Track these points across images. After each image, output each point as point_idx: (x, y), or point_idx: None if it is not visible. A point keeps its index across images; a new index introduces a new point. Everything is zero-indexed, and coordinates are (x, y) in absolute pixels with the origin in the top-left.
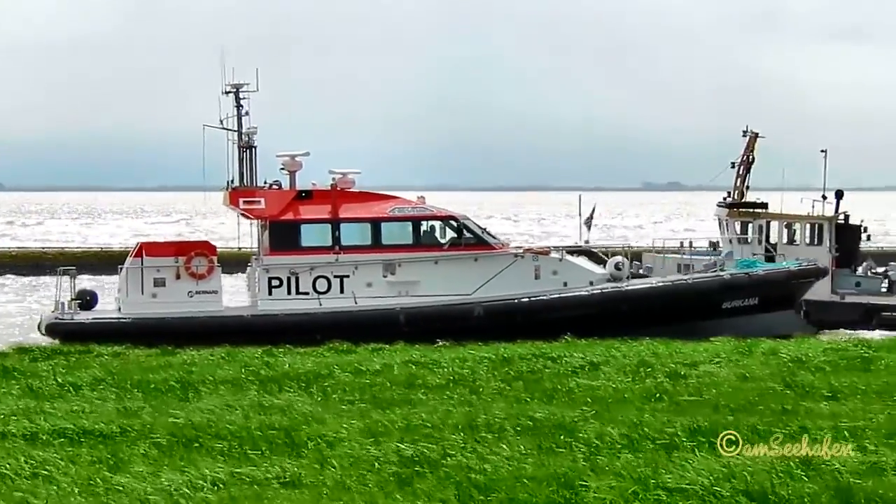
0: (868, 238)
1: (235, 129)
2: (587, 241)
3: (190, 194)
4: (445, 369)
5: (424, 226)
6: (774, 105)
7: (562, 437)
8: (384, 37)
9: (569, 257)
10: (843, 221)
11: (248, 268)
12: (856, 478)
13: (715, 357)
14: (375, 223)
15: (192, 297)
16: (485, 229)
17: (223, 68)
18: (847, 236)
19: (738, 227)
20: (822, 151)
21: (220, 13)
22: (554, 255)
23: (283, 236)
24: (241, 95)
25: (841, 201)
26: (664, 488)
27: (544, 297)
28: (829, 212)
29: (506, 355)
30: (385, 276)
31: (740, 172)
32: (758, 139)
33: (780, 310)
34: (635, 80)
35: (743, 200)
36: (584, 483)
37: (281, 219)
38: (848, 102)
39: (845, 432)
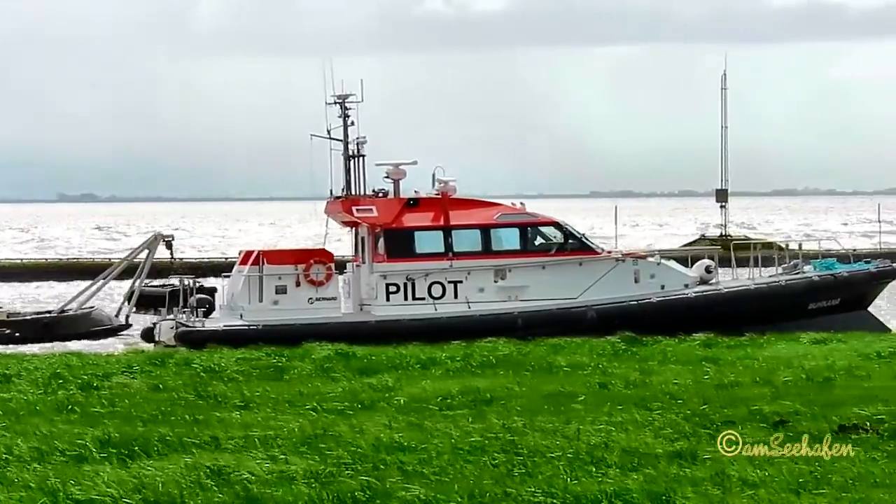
0: None
1: (342, 139)
2: None
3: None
4: None
5: (531, 231)
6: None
7: None
8: None
9: (665, 261)
10: None
11: (346, 273)
12: (266, 487)
13: (128, 368)
14: (485, 229)
15: (312, 303)
16: (583, 234)
17: (329, 78)
18: None
19: None
20: None
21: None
22: (651, 259)
23: (398, 243)
24: (346, 106)
25: None
26: (73, 500)
27: (652, 300)
28: None
29: None
30: (496, 282)
31: None
32: None
33: (856, 310)
34: None
35: None
36: None
37: (396, 226)
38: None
39: (256, 440)
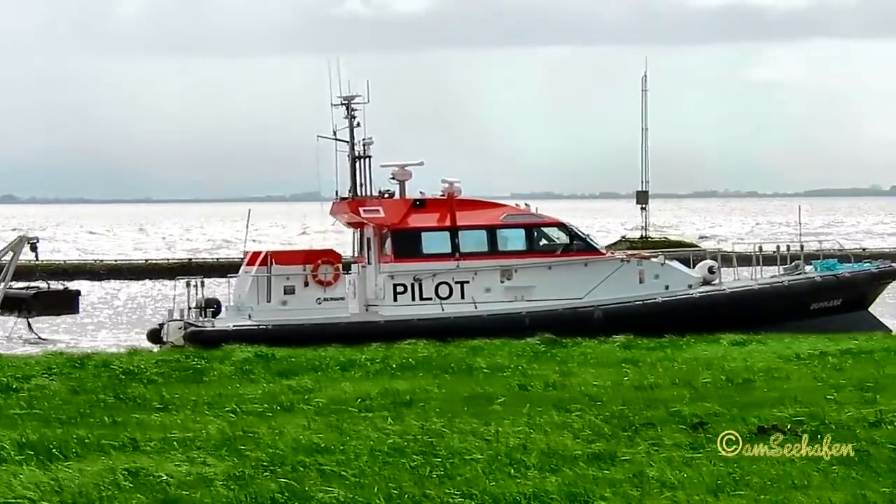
0: None
1: (347, 140)
2: None
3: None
4: None
5: (536, 232)
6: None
7: None
8: None
9: (669, 262)
10: None
11: (352, 274)
12: (184, 489)
13: (47, 370)
14: (491, 230)
15: (320, 303)
16: (588, 235)
17: (336, 78)
18: None
19: None
20: None
21: None
22: (655, 260)
23: (406, 244)
24: (352, 107)
25: None
26: None
27: (657, 300)
28: None
29: None
30: (502, 282)
31: None
32: None
33: (856, 310)
34: None
35: None
36: None
37: (403, 227)
38: None
39: (175, 442)
